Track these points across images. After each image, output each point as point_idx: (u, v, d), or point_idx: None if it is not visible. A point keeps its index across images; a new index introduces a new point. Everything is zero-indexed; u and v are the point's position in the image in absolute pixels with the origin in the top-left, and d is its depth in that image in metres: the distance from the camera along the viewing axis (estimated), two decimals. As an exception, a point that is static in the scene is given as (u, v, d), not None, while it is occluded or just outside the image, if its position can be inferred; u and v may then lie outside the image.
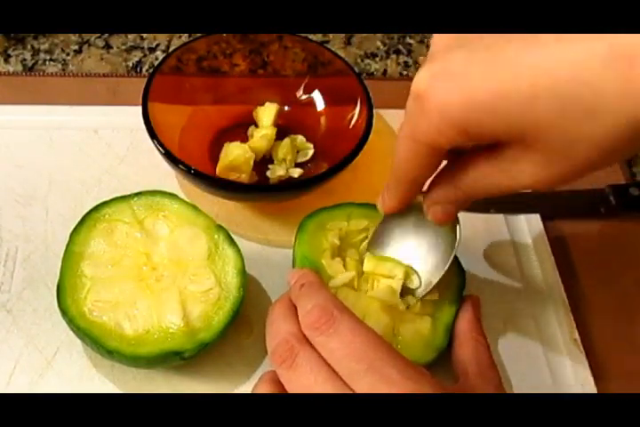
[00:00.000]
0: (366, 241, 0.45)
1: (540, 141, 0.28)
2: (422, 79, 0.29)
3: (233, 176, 0.49)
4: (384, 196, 0.38)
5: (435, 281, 0.42)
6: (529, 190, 0.34)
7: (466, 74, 0.28)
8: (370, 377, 0.31)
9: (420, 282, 0.43)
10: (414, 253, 0.43)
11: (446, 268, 0.41)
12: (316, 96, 0.53)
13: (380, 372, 0.32)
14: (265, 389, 0.36)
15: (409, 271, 0.43)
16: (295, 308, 0.37)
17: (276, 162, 0.51)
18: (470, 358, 0.41)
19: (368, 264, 0.44)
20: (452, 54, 0.29)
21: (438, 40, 0.31)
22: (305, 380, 0.33)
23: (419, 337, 0.42)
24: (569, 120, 0.26)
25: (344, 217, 0.46)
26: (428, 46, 0.66)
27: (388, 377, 0.31)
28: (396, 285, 0.43)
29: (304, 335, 0.35)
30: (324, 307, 0.34)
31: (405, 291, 0.43)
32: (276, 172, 0.50)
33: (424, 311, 0.43)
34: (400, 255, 0.44)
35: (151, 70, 0.49)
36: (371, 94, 0.49)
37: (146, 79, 0.48)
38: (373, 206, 0.46)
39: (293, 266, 0.44)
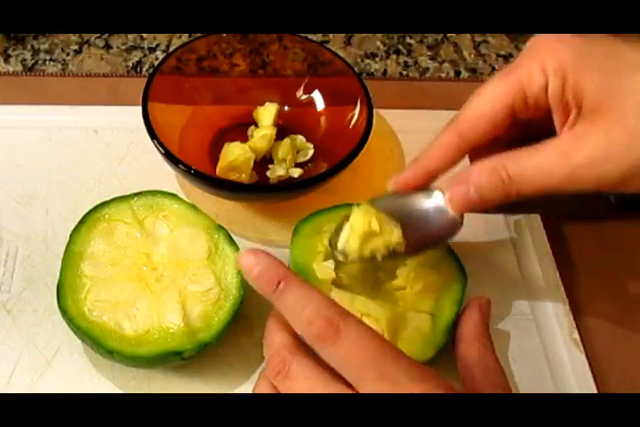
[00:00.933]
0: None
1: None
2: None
3: (233, 176, 0.49)
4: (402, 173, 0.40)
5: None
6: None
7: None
8: (379, 383, 0.31)
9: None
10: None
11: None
12: (316, 96, 0.53)
13: (389, 377, 0.31)
14: (265, 386, 0.35)
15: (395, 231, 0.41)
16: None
17: (275, 162, 0.51)
18: (476, 362, 0.40)
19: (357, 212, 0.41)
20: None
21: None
22: (303, 387, 0.32)
23: (418, 335, 0.42)
24: None
25: (341, 218, 0.45)
26: (428, 46, 0.66)
27: (397, 382, 0.31)
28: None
29: (296, 344, 0.34)
30: (326, 317, 0.32)
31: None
32: (276, 172, 0.50)
33: (423, 308, 0.43)
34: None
35: (151, 70, 0.49)
36: (371, 94, 0.49)
37: (146, 79, 0.48)
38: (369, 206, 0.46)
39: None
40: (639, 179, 0.33)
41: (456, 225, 0.40)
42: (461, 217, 0.40)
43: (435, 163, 0.39)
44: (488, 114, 0.37)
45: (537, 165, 0.35)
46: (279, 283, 0.32)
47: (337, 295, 0.42)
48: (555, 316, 0.48)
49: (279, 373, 0.33)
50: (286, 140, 0.51)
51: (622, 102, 0.33)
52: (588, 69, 0.33)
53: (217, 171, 0.49)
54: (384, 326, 0.41)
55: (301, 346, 0.34)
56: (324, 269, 0.43)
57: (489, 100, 0.37)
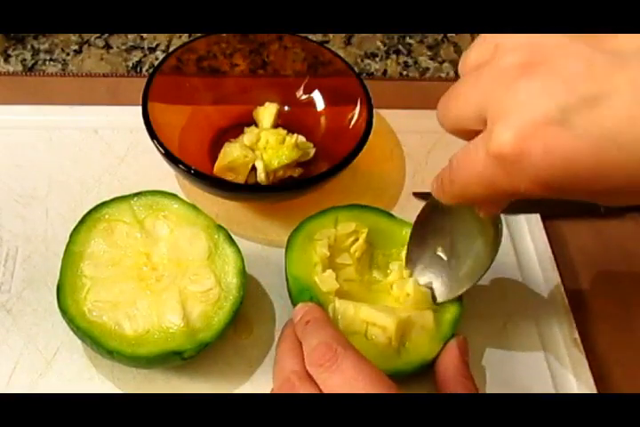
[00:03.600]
0: (358, 243, 0.45)
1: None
2: (507, 137, 0.26)
3: (230, 177, 0.49)
4: (439, 189, 0.34)
5: (463, 290, 0.43)
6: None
7: (561, 131, 0.25)
8: None
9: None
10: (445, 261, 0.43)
11: (480, 278, 0.42)
12: (316, 96, 0.53)
13: None
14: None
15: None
16: (300, 344, 0.37)
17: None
18: None
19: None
20: (540, 102, 0.26)
21: (505, 61, 0.28)
22: None
23: (425, 333, 0.42)
24: None
25: (331, 223, 0.45)
26: (428, 46, 0.66)
27: None
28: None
29: (307, 373, 0.35)
30: (327, 344, 0.34)
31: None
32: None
33: (424, 305, 0.43)
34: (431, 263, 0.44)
35: (151, 70, 0.49)
36: (371, 94, 0.49)
37: (146, 79, 0.48)
38: (359, 207, 0.46)
39: (287, 285, 0.44)
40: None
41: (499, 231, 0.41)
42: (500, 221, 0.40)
43: None
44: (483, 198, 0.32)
45: None
46: (307, 322, 0.38)
47: (341, 306, 0.42)
48: (555, 316, 0.48)
49: None
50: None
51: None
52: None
53: (214, 170, 0.49)
54: (392, 333, 0.41)
55: (310, 376, 0.35)
56: (326, 281, 0.43)
57: (479, 191, 0.31)
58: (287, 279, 0.44)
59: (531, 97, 0.26)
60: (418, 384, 0.42)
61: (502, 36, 0.29)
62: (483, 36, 0.31)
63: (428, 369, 0.42)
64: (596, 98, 0.25)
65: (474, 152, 0.29)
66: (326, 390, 0.34)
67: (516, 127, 0.26)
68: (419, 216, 0.43)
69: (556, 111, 0.26)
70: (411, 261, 0.45)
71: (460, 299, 0.44)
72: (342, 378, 0.33)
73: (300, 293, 0.43)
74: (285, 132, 0.50)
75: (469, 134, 0.30)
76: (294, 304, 0.42)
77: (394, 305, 0.44)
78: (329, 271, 0.43)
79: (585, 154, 0.25)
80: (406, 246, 0.45)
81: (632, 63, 0.25)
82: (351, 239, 0.45)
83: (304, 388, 0.34)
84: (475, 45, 0.31)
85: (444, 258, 0.43)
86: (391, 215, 0.47)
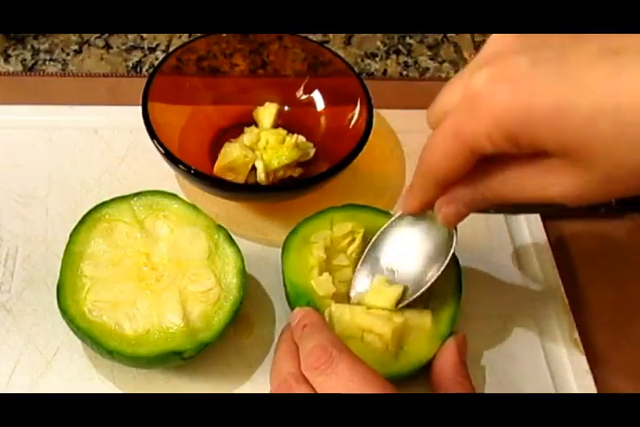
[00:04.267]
0: (355, 244, 0.45)
1: (587, 161, 0.28)
2: (480, 80, 0.29)
3: (230, 176, 0.49)
4: (407, 195, 0.38)
5: (423, 289, 0.42)
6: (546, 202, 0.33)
7: (529, 81, 0.27)
8: None
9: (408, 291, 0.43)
10: (407, 259, 0.43)
11: (435, 277, 0.41)
12: (316, 96, 0.53)
13: None
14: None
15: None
16: (297, 347, 0.37)
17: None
18: None
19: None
20: (515, 59, 0.28)
21: (499, 40, 0.31)
22: None
23: (422, 333, 0.42)
24: (623, 147, 0.26)
25: (327, 224, 0.45)
26: (428, 46, 0.66)
27: None
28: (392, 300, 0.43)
29: (303, 375, 0.35)
30: (323, 347, 0.35)
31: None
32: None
33: (419, 304, 0.43)
34: (393, 260, 0.43)
35: (151, 70, 0.49)
36: (371, 94, 0.49)
37: (146, 79, 0.48)
38: (355, 207, 0.46)
39: (285, 289, 0.44)
40: None
41: (452, 237, 0.40)
42: (455, 228, 0.40)
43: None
44: (447, 170, 0.33)
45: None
46: (304, 326, 0.38)
47: (337, 310, 0.42)
48: (555, 316, 0.48)
49: None
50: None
51: None
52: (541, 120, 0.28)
53: (214, 170, 0.49)
54: (389, 340, 0.41)
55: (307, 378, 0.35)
56: (323, 285, 0.43)
57: (443, 162, 0.32)
58: (284, 284, 0.44)
59: (508, 49, 0.29)
60: (415, 384, 0.42)
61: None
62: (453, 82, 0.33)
63: (425, 369, 0.42)
64: (563, 55, 0.28)
65: (440, 128, 0.32)
66: (322, 392, 0.34)
67: (490, 72, 0.29)
68: (376, 238, 0.43)
69: (527, 62, 0.28)
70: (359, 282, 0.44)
71: (457, 296, 0.44)
72: (338, 380, 0.33)
73: (297, 298, 0.43)
74: (285, 132, 0.50)
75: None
76: (292, 308, 0.42)
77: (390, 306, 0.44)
78: (325, 275, 0.43)
79: (547, 105, 0.27)
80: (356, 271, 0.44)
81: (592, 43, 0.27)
82: (347, 240, 0.45)
83: (300, 390, 0.35)
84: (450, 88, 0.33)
85: (394, 270, 0.43)
86: (388, 213, 0.47)
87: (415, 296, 0.42)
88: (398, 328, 0.41)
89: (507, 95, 0.28)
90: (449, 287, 0.44)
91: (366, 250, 0.44)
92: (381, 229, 0.43)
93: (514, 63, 0.28)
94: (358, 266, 0.44)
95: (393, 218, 0.42)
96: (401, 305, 0.42)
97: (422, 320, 0.42)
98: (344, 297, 0.44)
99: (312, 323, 0.38)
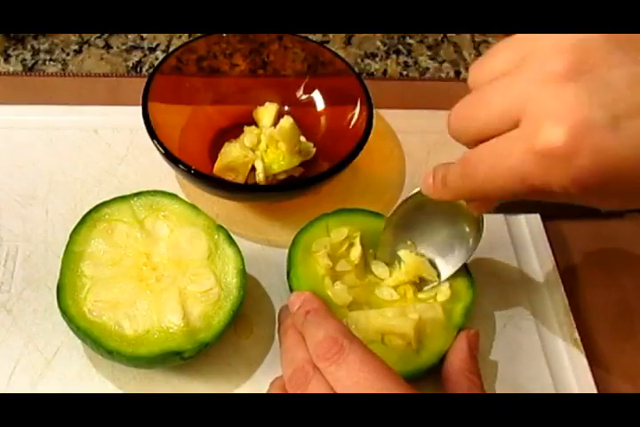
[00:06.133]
0: (355, 248, 0.45)
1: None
2: (555, 137, 0.27)
3: (229, 176, 0.49)
4: (436, 188, 0.36)
5: (452, 271, 0.44)
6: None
7: (611, 141, 0.27)
8: None
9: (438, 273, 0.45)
10: (436, 241, 0.45)
11: (471, 253, 0.44)
12: (316, 96, 0.53)
13: None
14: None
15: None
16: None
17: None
18: None
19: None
20: (592, 113, 0.27)
21: (555, 65, 0.28)
22: None
23: (438, 325, 0.43)
24: None
25: (323, 231, 0.45)
26: (428, 46, 0.66)
27: None
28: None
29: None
30: (333, 338, 0.35)
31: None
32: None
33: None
34: (417, 236, 0.45)
35: (151, 70, 0.49)
36: (371, 94, 0.49)
37: (146, 79, 0.48)
38: (347, 211, 0.46)
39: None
40: None
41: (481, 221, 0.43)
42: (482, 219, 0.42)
43: None
44: (498, 196, 0.33)
45: None
46: (307, 312, 0.38)
47: (352, 318, 0.42)
48: (555, 316, 0.48)
49: (299, 387, 0.35)
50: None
51: None
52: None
53: (214, 170, 0.49)
54: (411, 338, 0.41)
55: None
56: (340, 295, 0.43)
57: (499, 192, 0.32)
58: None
59: (580, 101, 0.27)
60: (425, 379, 0.42)
61: (534, 40, 0.30)
62: (505, 44, 0.31)
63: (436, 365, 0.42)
64: None
65: (505, 148, 0.30)
66: (333, 383, 0.34)
67: (568, 126, 0.27)
68: (394, 213, 0.44)
69: (605, 116, 0.27)
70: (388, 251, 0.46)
71: (471, 288, 0.45)
72: (348, 371, 0.33)
73: None
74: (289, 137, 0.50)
75: (482, 140, 0.31)
76: None
77: (400, 304, 0.44)
78: (338, 284, 0.43)
79: (631, 158, 0.27)
80: (381, 241, 0.45)
81: None
82: (346, 245, 0.45)
83: (317, 377, 0.35)
84: (497, 53, 0.31)
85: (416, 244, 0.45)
86: (379, 215, 0.47)
87: (458, 267, 0.44)
88: (418, 324, 0.42)
89: (590, 154, 0.27)
90: (462, 278, 0.45)
91: (386, 223, 0.45)
92: (400, 204, 0.44)
93: (592, 122, 0.27)
94: (383, 238, 0.45)
95: (414, 192, 0.42)
96: (447, 276, 0.44)
97: (435, 312, 0.43)
98: (353, 302, 0.43)
99: (315, 309, 0.38)
